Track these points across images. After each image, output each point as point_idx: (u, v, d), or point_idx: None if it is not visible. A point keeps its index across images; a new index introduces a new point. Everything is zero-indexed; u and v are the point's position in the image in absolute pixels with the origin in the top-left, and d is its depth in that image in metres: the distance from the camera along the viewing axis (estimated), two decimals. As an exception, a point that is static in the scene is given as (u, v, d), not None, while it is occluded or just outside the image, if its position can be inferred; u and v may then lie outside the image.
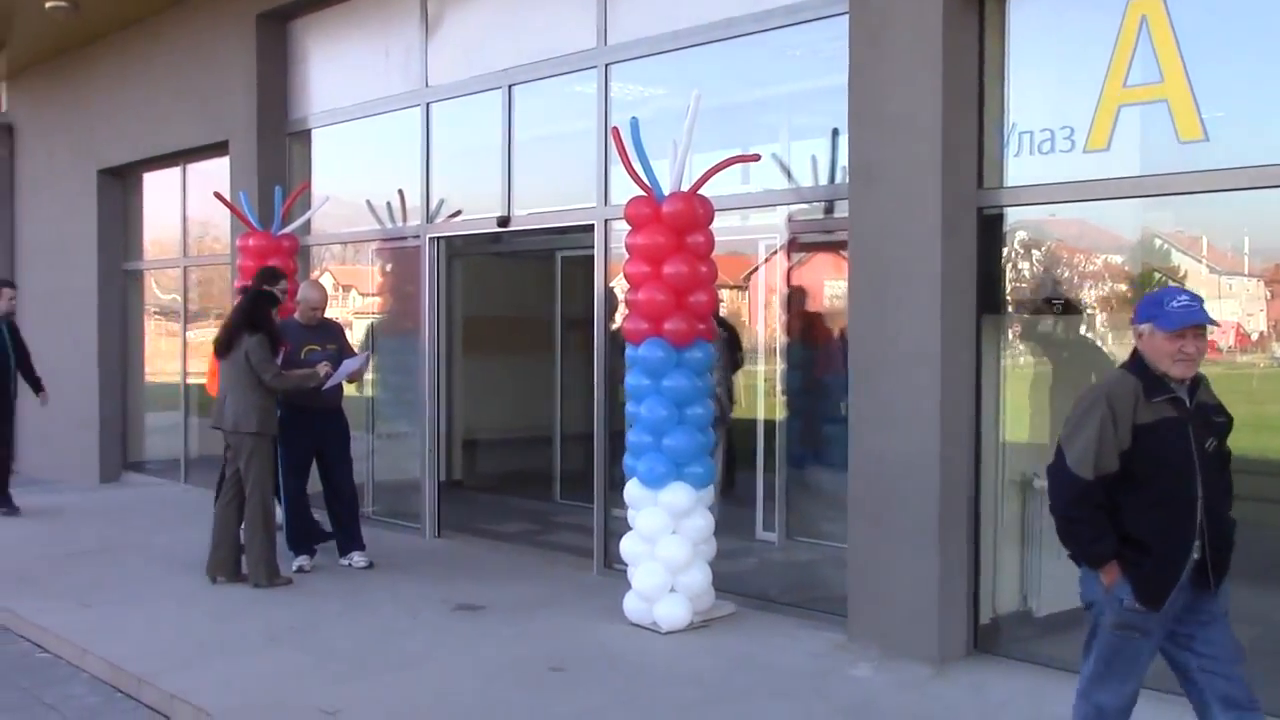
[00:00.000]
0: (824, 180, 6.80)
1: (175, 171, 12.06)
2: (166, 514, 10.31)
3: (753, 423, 8.07)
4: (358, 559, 7.95)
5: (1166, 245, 5.79)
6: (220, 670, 5.75)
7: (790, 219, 7.23)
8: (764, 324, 8.08)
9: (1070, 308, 5.95)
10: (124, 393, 12.95)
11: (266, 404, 7.37)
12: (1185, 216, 5.62)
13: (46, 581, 7.69)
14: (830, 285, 7.54)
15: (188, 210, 12.07)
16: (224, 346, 7.45)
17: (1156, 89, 5.18)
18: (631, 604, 6.43)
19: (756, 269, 7.99)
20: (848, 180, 6.18)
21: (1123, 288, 5.91)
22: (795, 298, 7.61)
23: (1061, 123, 5.54)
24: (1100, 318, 5.97)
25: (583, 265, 10.10)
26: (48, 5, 10.58)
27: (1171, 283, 5.71)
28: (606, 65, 7.67)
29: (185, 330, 12.14)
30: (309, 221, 9.72)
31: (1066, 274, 6.09)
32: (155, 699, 5.56)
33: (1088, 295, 6.02)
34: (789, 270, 7.56)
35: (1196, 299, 3.75)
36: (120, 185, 12.87)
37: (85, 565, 8.19)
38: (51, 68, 13.30)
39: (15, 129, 14.27)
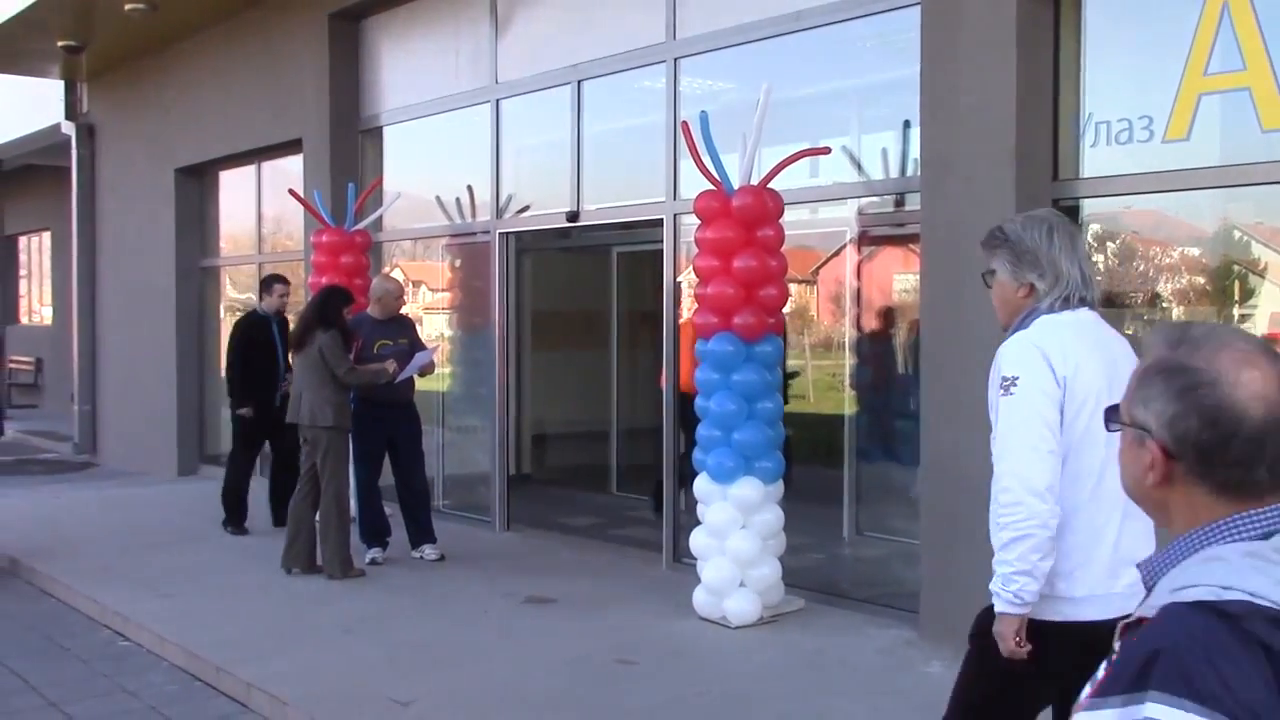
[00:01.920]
0: (894, 173, 6.74)
1: (250, 169, 12.25)
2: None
3: (822, 418, 8.02)
4: (429, 552, 8.03)
5: (1247, 237, 5.66)
6: (296, 660, 5.84)
7: (860, 212, 7.18)
8: (833, 318, 8.03)
9: (1147, 300, 5.84)
10: (201, 387, 13.18)
11: (341, 398, 7.48)
12: (1267, 207, 5.49)
13: (128, 572, 7.85)
14: (900, 279, 7.47)
15: (262, 207, 12.26)
16: (297, 343, 7.56)
17: (1239, 77, 5.07)
18: (701, 598, 6.42)
19: (826, 263, 7.95)
20: (919, 173, 6.13)
21: (1200, 280, 5.80)
22: (865, 291, 7.56)
23: (1140, 113, 5.43)
24: (1177, 311, 5.86)
25: (639, 260, 10.14)
26: (127, 7, 10.79)
27: (1252, 275, 5.59)
28: (675, 59, 7.66)
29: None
30: (381, 218, 9.83)
31: (1143, 266, 5.98)
32: (232, 687, 5.66)
33: (1165, 288, 5.91)
34: (859, 264, 7.50)
35: None
36: (197, 183, 13.10)
37: (165, 556, 8.36)
38: (130, 69, 13.57)
39: (96, 129, 14.58)
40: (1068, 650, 2.77)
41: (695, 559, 6.52)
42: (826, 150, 6.64)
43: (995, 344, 5.59)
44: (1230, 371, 1.44)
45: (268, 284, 9.51)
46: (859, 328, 7.64)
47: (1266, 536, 1.41)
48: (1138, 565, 1.54)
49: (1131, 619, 1.45)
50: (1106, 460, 2.74)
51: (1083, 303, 2.94)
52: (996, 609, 2.84)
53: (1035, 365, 2.81)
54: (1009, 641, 2.81)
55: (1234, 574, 1.34)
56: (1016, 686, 2.88)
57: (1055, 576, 2.81)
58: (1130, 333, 6.04)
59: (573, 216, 8.50)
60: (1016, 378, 2.82)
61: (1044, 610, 2.82)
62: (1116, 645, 1.46)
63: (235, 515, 9.17)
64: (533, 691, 5.36)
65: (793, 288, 6.83)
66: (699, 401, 6.43)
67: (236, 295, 13.09)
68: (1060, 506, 2.79)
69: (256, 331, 9.30)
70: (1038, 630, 2.82)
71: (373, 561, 7.84)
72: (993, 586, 2.84)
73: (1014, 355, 2.87)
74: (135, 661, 6.28)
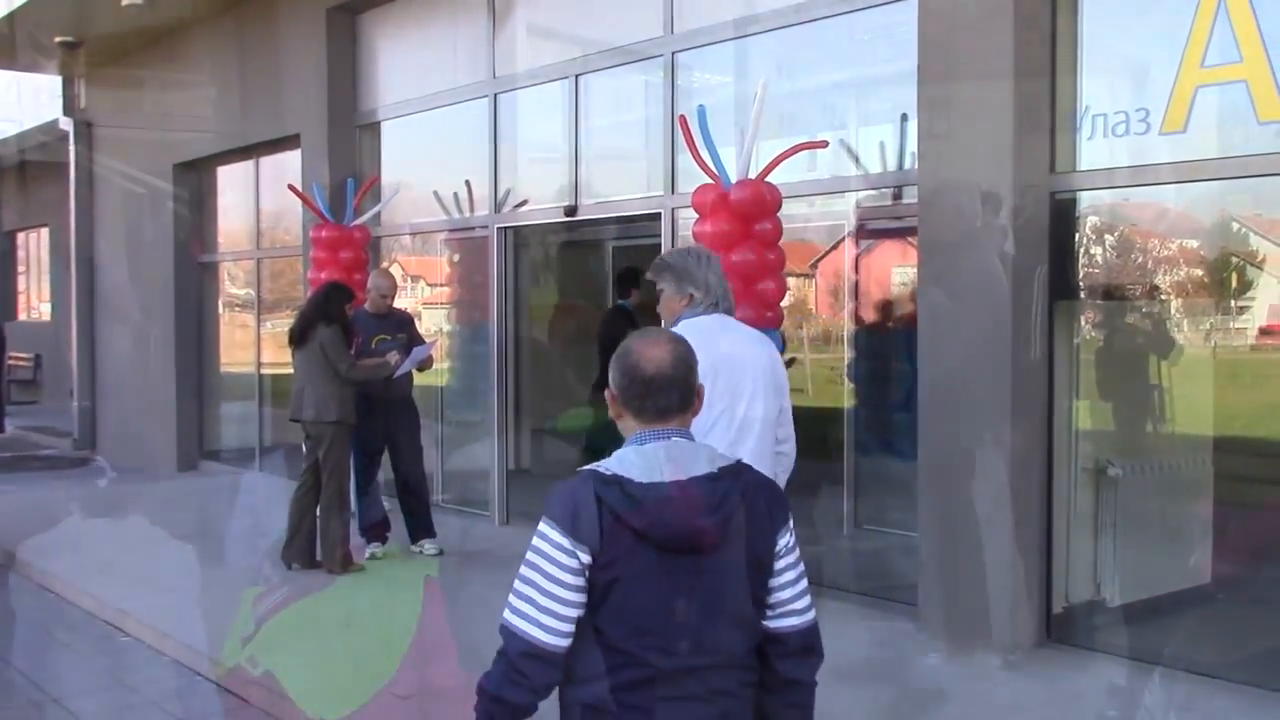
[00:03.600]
0: (893, 166, 6.74)
1: (248, 165, 12.24)
2: (242, 501, 10.50)
3: (821, 411, 8.02)
4: (428, 546, 8.03)
5: (1245, 229, 5.67)
6: (296, 654, 5.85)
7: (859, 205, 7.18)
8: (831, 312, 8.03)
9: (1144, 293, 5.85)
10: (200, 383, 13.18)
11: (345, 393, 7.47)
12: (1265, 199, 5.50)
13: (127, 567, 7.86)
14: (899, 272, 7.47)
15: (260, 203, 12.25)
16: (298, 339, 7.56)
17: (1235, 69, 5.07)
18: (700, 591, 6.41)
19: (824, 256, 7.95)
20: (916, 166, 6.13)
21: (1199, 273, 5.80)
22: (863, 285, 7.56)
23: (1136, 105, 5.44)
24: (1175, 303, 5.87)
25: (636, 255, 10.13)
26: (124, 2, 10.78)
27: (1249, 267, 5.60)
28: (673, 54, 7.66)
29: (259, 321, 12.33)
30: (380, 213, 9.83)
31: (1140, 259, 5.99)
32: (233, 681, 5.66)
33: (1162, 280, 5.92)
34: (857, 257, 7.51)
35: None
36: (195, 179, 13.09)
37: (165, 551, 8.36)
38: (128, 65, 13.55)
39: (94, 125, 14.56)
40: None
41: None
42: (824, 143, 6.64)
43: (992, 337, 5.67)
44: (640, 347, 2.45)
45: (634, 277, 8.86)
46: (857, 321, 7.65)
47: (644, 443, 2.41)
48: None
49: None
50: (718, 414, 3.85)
51: (723, 310, 4.07)
52: None
53: None
54: None
55: (610, 460, 2.39)
56: None
57: None
58: (1130, 323, 6.07)
59: (571, 211, 8.50)
60: None
61: None
62: None
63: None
64: (532, 685, 5.36)
65: (791, 281, 6.83)
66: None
67: (235, 291, 13.09)
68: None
69: (624, 327, 8.33)
70: None
71: (372, 556, 7.85)
72: None
73: None
74: (135, 656, 6.29)
